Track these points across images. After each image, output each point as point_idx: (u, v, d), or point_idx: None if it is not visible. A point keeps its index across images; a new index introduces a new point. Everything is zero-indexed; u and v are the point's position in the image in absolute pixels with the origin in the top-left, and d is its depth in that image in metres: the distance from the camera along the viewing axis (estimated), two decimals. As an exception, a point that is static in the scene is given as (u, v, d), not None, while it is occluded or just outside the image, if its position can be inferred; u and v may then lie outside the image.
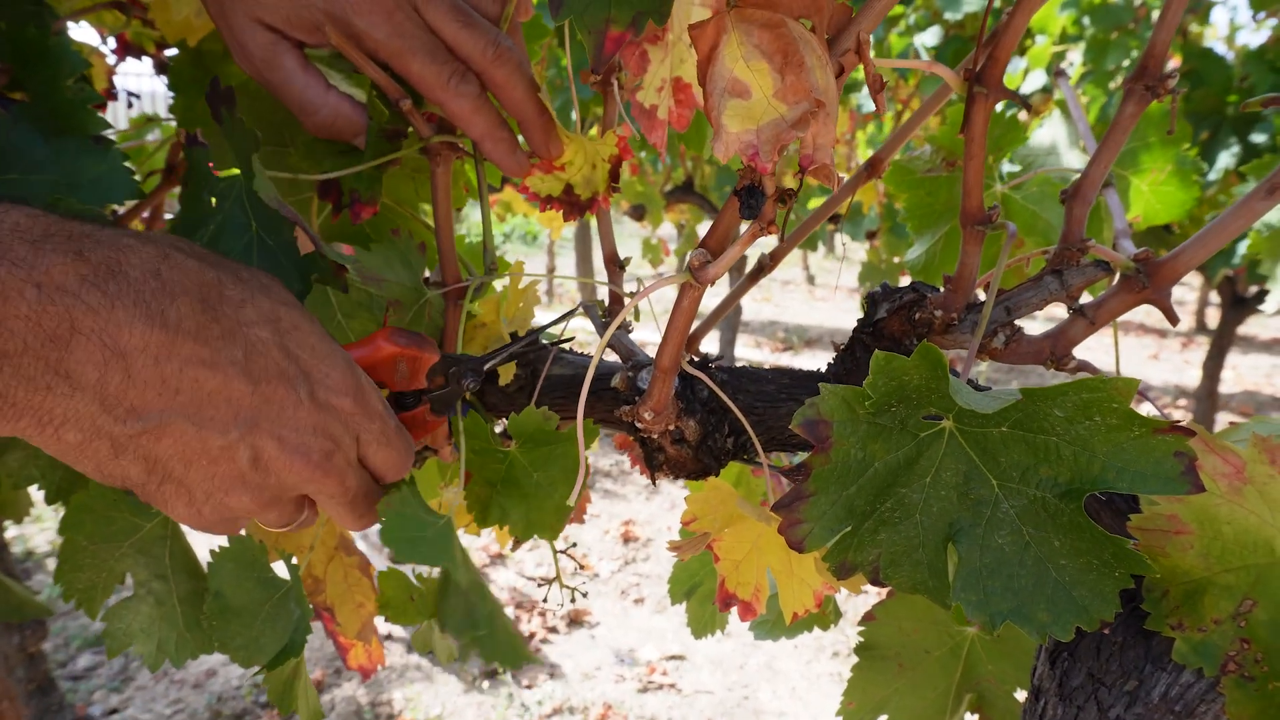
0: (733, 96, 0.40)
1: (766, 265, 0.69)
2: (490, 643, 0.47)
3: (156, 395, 0.35)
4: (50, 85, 0.58)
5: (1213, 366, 2.77)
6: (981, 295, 0.57)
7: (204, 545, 0.63)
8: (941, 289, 0.54)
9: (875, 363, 0.40)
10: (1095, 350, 6.17)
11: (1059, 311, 0.52)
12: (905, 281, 0.60)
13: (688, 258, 0.46)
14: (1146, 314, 8.43)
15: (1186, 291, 10.45)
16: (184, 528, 0.66)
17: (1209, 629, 0.43)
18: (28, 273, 0.31)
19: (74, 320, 0.32)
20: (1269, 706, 0.42)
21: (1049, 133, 0.90)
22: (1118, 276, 0.51)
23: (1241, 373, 6.13)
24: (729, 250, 0.46)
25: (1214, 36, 3.60)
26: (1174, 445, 0.37)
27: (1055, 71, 0.77)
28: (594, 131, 0.62)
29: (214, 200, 0.52)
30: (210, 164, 0.55)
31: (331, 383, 0.42)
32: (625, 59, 0.57)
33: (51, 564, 2.80)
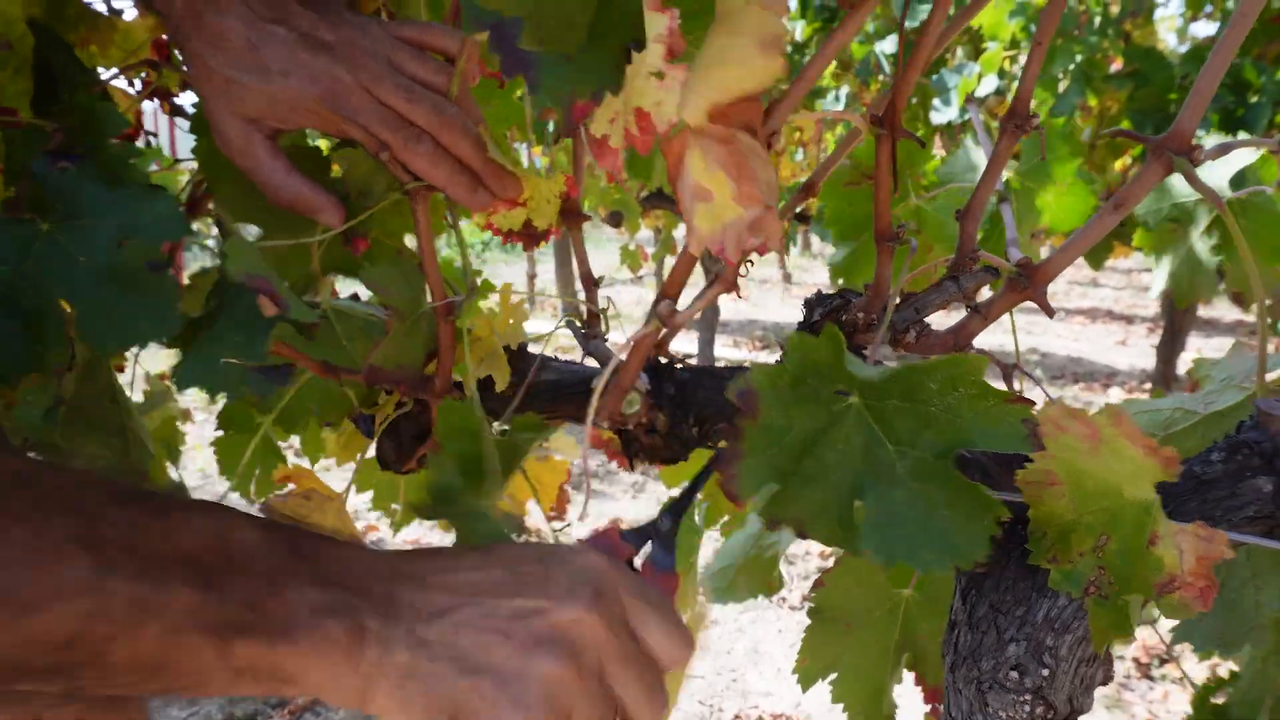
0: (699, 200, 0.49)
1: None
2: None
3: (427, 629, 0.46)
4: (99, 143, 0.68)
5: (1166, 351, 2.91)
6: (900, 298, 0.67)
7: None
8: (863, 294, 0.65)
9: (790, 342, 0.49)
10: (1062, 336, 6.37)
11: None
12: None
13: (657, 308, 0.56)
14: (1115, 301, 8.63)
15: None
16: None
17: (1075, 561, 0.54)
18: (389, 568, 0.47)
19: (394, 592, 0.45)
20: (1119, 617, 0.52)
21: (969, 150, 1.01)
22: (1005, 279, 0.62)
23: (1204, 355, 6.31)
24: (693, 305, 0.56)
25: (1170, 28, 3.74)
26: (1021, 413, 0.47)
27: (967, 99, 0.89)
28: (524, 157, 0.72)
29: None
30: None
31: None
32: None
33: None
